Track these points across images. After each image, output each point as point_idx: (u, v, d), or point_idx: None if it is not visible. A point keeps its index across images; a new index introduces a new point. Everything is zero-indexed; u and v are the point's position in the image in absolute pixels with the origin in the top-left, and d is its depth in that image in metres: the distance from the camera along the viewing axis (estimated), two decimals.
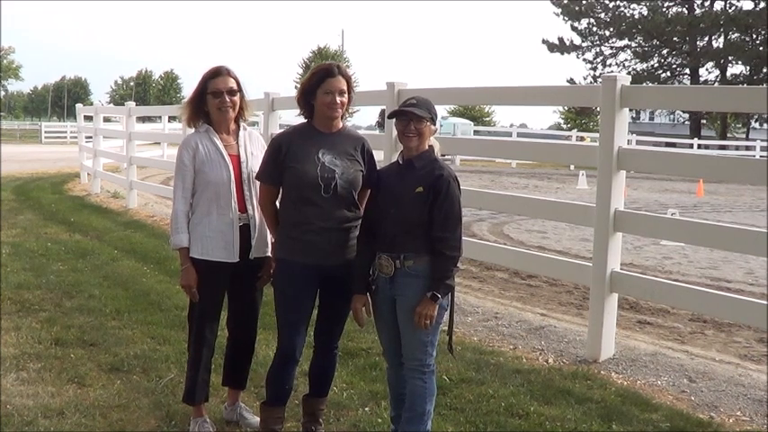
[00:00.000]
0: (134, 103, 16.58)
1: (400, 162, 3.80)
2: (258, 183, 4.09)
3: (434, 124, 3.76)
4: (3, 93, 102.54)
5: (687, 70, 51.58)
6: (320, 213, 3.83)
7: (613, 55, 53.20)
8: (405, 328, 3.71)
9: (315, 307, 4.04)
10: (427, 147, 3.74)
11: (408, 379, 3.74)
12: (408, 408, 3.73)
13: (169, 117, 23.60)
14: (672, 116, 62.79)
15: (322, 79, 3.86)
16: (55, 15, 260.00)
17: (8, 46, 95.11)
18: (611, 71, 50.43)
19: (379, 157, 8.08)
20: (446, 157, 21.98)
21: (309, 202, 3.83)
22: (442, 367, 5.11)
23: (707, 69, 51.48)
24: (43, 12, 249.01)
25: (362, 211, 3.97)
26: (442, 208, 3.59)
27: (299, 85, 3.99)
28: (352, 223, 3.92)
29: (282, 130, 4.16)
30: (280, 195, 4.02)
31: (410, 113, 3.69)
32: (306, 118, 4.01)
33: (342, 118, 3.98)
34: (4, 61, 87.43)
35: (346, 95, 3.91)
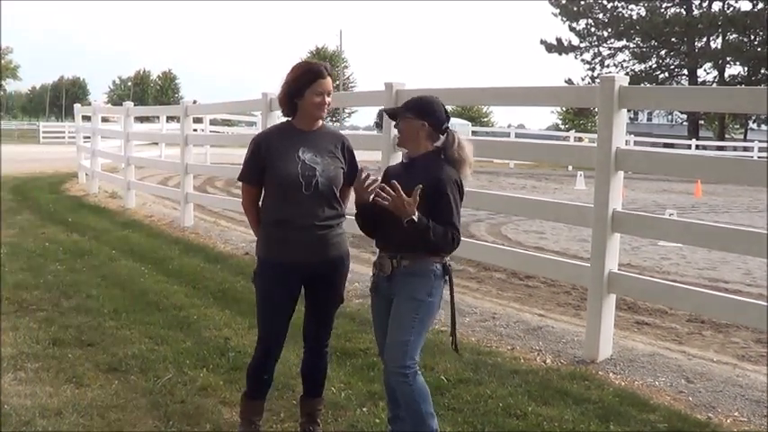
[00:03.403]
0: (132, 104, 16.57)
1: (405, 161, 3.81)
2: None
3: (429, 122, 3.69)
4: (1, 93, 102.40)
5: (685, 71, 51.64)
6: (301, 211, 3.84)
7: (611, 55, 53.27)
8: (390, 326, 3.68)
9: (302, 306, 4.05)
10: (431, 147, 3.71)
11: (395, 385, 3.67)
12: (407, 415, 3.70)
13: (167, 117, 23.62)
14: (670, 117, 62.84)
15: (313, 80, 3.86)
16: (53, 15, 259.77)
17: (6, 46, 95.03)
18: (610, 72, 50.48)
19: (378, 157, 8.10)
20: None
21: (291, 200, 3.84)
22: (440, 368, 5.12)
23: (705, 70, 51.61)
24: (41, 12, 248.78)
25: (344, 208, 4.01)
26: (441, 209, 3.57)
27: (282, 84, 3.94)
28: (334, 221, 3.94)
29: (261, 131, 4.17)
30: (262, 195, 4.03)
31: (392, 114, 3.77)
32: (287, 116, 4.01)
33: None
34: (3, 61, 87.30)
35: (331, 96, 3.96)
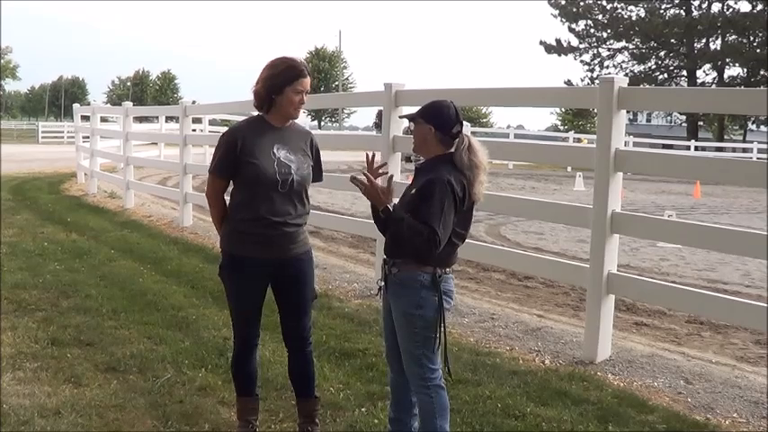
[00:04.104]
0: (131, 104, 16.56)
1: (417, 166, 3.76)
2: None
3: (435, 126, 3.61)
4: (0, 93, 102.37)
5: (684, 72, 51.64)
6: (275, 208, 3.86)
7: (611, 56, 53.24)
8: (399, 341, 3.66)
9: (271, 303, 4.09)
10: (442, 152, 3.61)
11: (416, 395, 3.68)
12: (421, 427, 3.68)
13: (166, 117, 23.62)
14: (669, 118, 62.91)
15: (295, 78, 3.86)
16: (53, 15, 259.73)
17: (6, 46, 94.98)
18: (609, 73, 50.48)
19: (377, 157, 8.09)
20: None
21: (265, 198, 3.85)
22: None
23: (704, 71, 51.59)
24: (41, 11, 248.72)
25: (310, 206, 4.05)
26: (424, 209, 3.45)
27: (259, 78, 3.93)
28: (303, 219, 3.99)
29: (234, 125, 4.16)
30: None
31: (409, 119, 3.70)
32: (260, 111, 3.99)
33: None
34: (2, 61, 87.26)
35: None
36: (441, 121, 3.62)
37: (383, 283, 3.72)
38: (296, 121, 4.10)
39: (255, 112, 4.08)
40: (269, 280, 3.99)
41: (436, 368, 3.62)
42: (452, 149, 3.61)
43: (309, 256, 4.07)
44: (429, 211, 3.44)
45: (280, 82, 3.86)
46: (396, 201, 3.59)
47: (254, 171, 3.83)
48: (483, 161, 3.62)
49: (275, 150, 3.88)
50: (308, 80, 3.90)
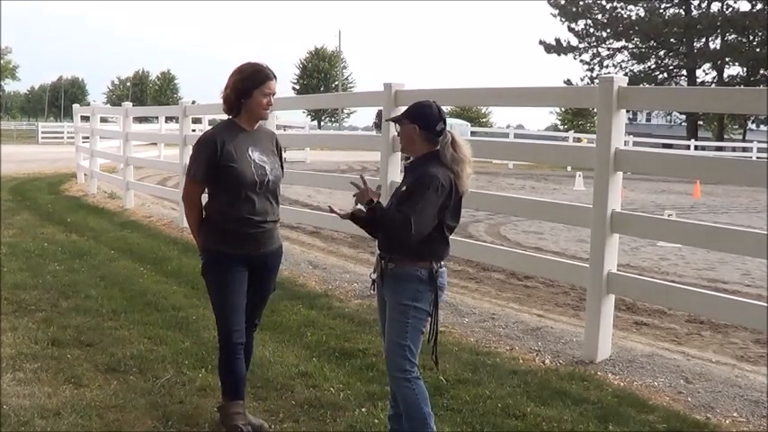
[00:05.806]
0: (131, 104, 16.56)
1: (406, 165, 3.90)
2: None
3: (420, 125, 3.71)
4: (0, 93, 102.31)
5: (684, 71, 51.64)
6: (255, 208, 4.06)
7: (610, 56, 53.25)
8: (387, 331, 3.74)
9: None
10: (428, 149, 3.71)
11: (396, 389, 3.72)
12: (407, 417, 3.72)
13: (166, 117, 23.62)
14: (669, 117, 62.86)
15: (262, 81, 4.06)
16: (53, 15, 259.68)
17: (5, 46, 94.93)
18: (608, 72, 50.46)
19: (377, 157, 8.10)
20: None
21: (246, 199, 4.04)
22: (438, 368, 5.11)
23: (704, 71, 51.59)
24: (40, 11, 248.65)
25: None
26: (408, 202, 3.58)
27: (228, 84, 4.10)
28: (278, 215, 4.23)
29: (209, 130, 4.28)
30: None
31: (395, 121, 3.86)
32: (229, 114, 4.16)
33: None
34: (2, 61, 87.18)
35: None
36: (425, 120, 3.75)
37: (375, 276, 3.85)
38: (263, 123, 4.28)
39: None
40: (248, 275, 4.15)
41: (416, 362, 3.72)
42: (437, 146, 3.73)
43: (281, 251, 4.32)
44: (410, 203, 3.59)
45: (248, 86, 4.05)
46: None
47: (234, 174, 4.01)
48: (467, 154, 3.76)
49: (250, 153, 4.07)
50: (273, 83, 4.10)
